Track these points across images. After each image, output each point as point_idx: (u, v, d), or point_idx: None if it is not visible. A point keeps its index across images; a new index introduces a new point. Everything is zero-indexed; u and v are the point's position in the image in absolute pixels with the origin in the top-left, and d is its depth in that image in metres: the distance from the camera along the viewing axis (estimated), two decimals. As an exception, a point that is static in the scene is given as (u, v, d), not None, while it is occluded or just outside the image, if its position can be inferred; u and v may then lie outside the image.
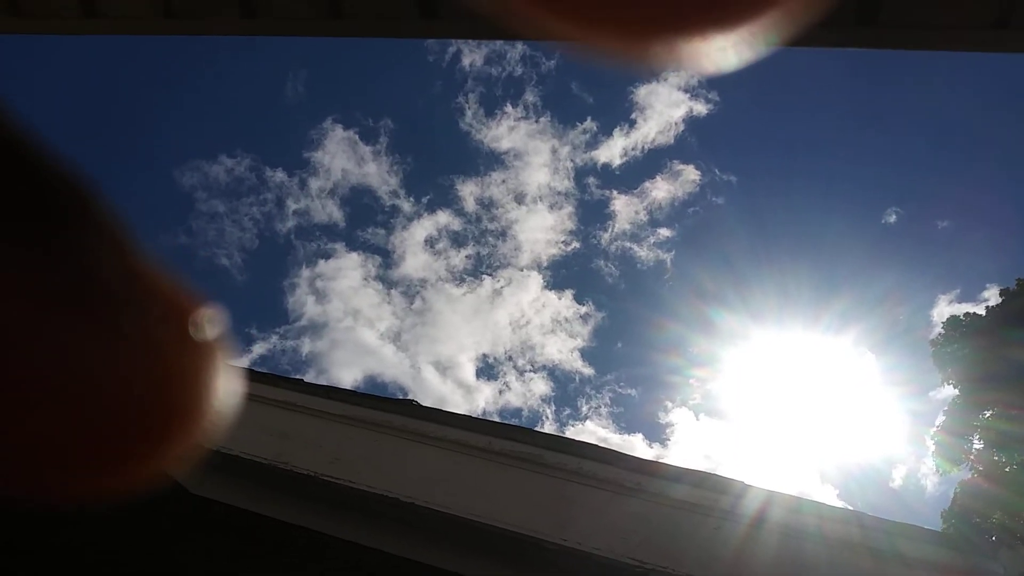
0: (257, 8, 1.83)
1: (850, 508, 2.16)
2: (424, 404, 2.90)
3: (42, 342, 0.21)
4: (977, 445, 18.86)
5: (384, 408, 2.72)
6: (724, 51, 0.23)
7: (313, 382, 2.92)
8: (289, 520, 2.70)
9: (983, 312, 19.61)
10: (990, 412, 18.48)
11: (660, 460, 2.59)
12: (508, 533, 2.31)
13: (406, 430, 2.64)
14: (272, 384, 2.88)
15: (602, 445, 2.52)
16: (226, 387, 0.25)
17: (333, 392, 2.83)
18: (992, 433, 18.21)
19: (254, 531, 2.74)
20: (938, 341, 20.04)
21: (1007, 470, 17.70)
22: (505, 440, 2.53)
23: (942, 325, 20.19)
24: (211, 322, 0.25)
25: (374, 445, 2.63)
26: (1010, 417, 17.72)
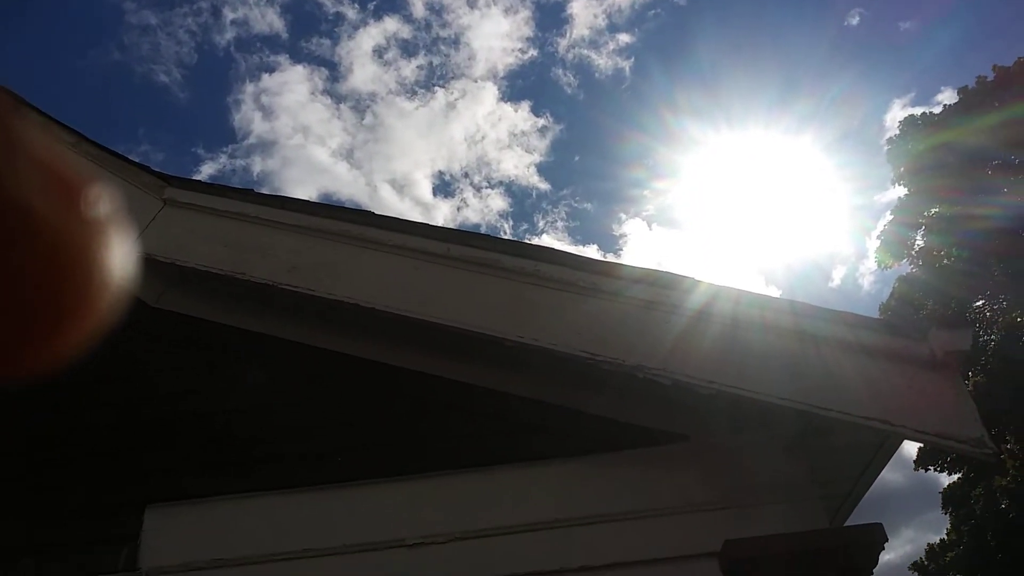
0: None
1: (787, 299, 2.27)
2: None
3: None
4: (920, 242, 19.70)
5: (340, 217, 2.70)
6: None
7: (265, 193, 2.87)
8: (251, 328, 2.76)
9: (939, 111, 19.71)
10: (936, 207, 19.12)
11: (614, 261, 2.66)
12: (469, 333, 2.40)
13: (364, 238, 2.64)
14: (223, 195, 2.82)
15: (557, 248, 2.57)
16: (121, 262, 0.25)
17: (287, 202, 2.79)
18: (936, 221, 18.93)
19: (215, 341, 2.80)
20: (893, 140, 20.27)
21: (945, 261, 18.62)
22: (463, 246, 2.56)
23: (898, 124, 20.33)
24: (102, 198, 0.24)
25: (332, 254, 2.64)
26: (953, 201, 18.37)
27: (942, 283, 18.22)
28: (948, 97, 19.74)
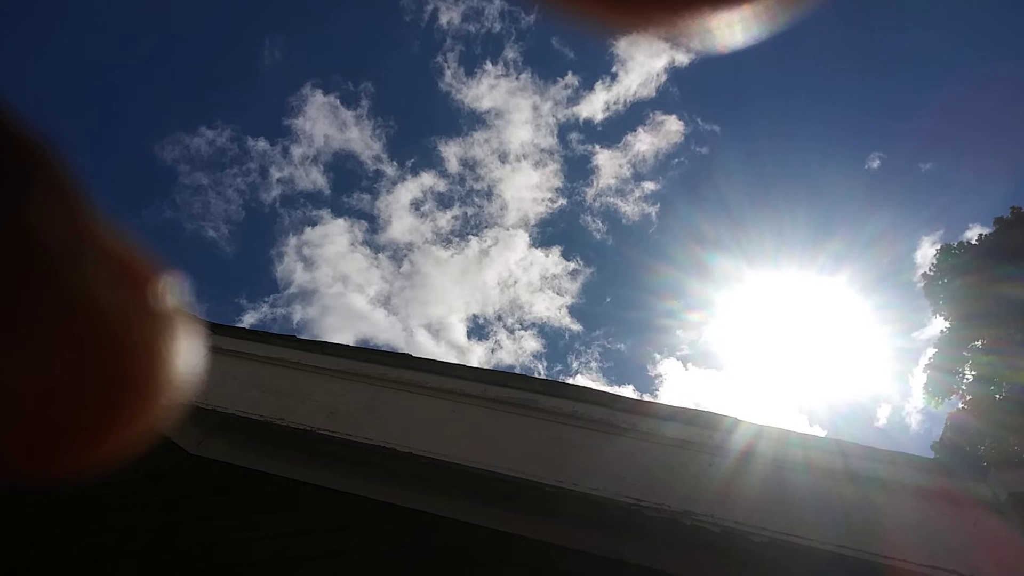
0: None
1: (837, 439, 2.19)
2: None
3: None
4: (967, 377, 19.14)
5: (379, 361, 2.73)
6: (730, 27, 0.22)
7: (306, 338, 2.93)
8: (289, 475, 2.73)
9: (975, 241, 19.68)
10: (980, 343, 18.70)
11: (653, 400, 2.62)
12: (507, 478, 2.35)
13: (402, 381, 2.65)
14: (264, 341, 2.88)
15: (595, 387, 2.54)
16: (186, 357, 0.24)
17: (327, 347, 2.84)
18: (981, 368, 18.48)
19: (255, 488, 2.77)
20: (930, 273, 20.17)
21: (995, 403, 17.99)
22: (500, 387, 2.55)
23: (934, 256, 20.31)
24: (171, 291, 0.24)
25: (370, 398, 2.65)
26: (998, 351, 17.96)
27: (993, 426, 17.52)
28: (975, 234, 19.79)
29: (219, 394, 2.76)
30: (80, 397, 0.22)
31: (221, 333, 2.95)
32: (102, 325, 0.22)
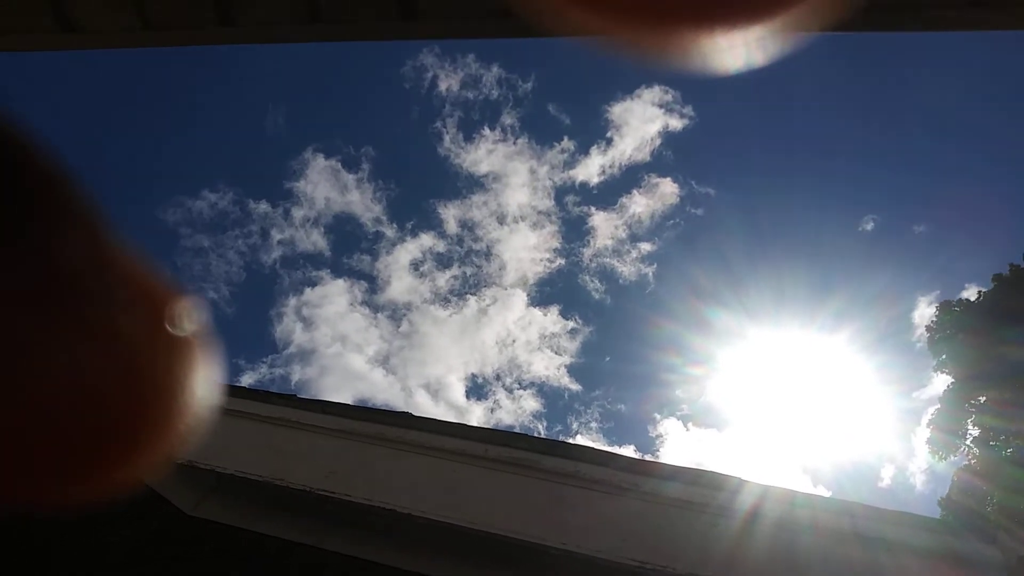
0: (235, 17, 1.83)
1: (843, 500, 2.17)
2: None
3: (4, 336, 0.20)
4: (972, 433, 18.95)
5: (379, 420, 2.71)
6: (743, 48, 0.23)
7: (306, 397, 2.92)
8: (287, 537, 2.69)
9: (974, 298, 19.71)
10: (983, 400, 18.57)
11: (656, 460, 2.60)
12: (508, 540, 2.31)
13: (402, 441, 2.63)
14: (265, 401, 2.87)
15: (596, 448, 2.52)
16: (206, 383, 0.24)
17: (327, 406, 2.82)
18: (984, 430, 18.35)
19: (253, 549, 2.72)
20: (931, 327, 20.13)
21: (999, 463, 17.79)
22: (501, 447, 2.53)
23: (934, 312, 20.30)
24: (190, 316, 0.24)
25: (370, 457, 2.62)
26: (1002, 415, 17.85)
27: (1002, 478, 17.28)
28: (972, 294, 19.85)
29: (218, 454, 2.73)
30: (98, 419, 0.21)
31: (222, 392, 2.93)
32: (121, 348, 0.22)
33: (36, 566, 2.82)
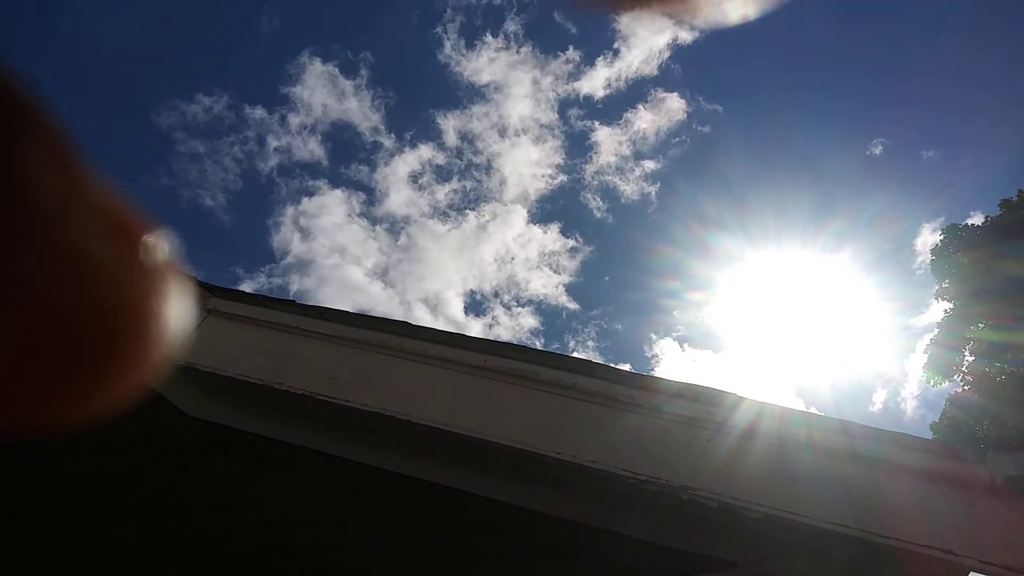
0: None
1: (838, 418, 2.18)
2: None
3: None
4: (968, 358, 19.15)
5: (378, 328, 2.71)
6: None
7: (305, 303, 2.91)
8: (287, 440, 2.73)
9: (982, 223, 19.57)
10: (982, 324, 18.69)
11: (654, 375, 2.60)
12: (506, 448, 2.34)
13: (401, 349, 2.64)
14: (265, 305, 2.86)
15: (595, 361, 2.52)
16: (178, 313, 0.24)
17: (326, 312, 2.82)
18: (984, 345, 18.48)
19: (254, 451, 2.77)
20: (937, 249, 20.06)
21: (996, 381, 18.02)
22: (500, 357, 2.53)
23: (940, 233, 20.18)
24: (161, 246, 0.23)
25: (369, 364, 2.63)
26: (1001, 328, 17.95)
27: (995, 403, 17.56)
28: (978, 221, 19.64)
29: (219, 357, 2.74)
30: (69, 350, 0.21)
31: (220, 296, 2.92)
32: (92, 277, 0.21)
33: (34, 462, 2.87)
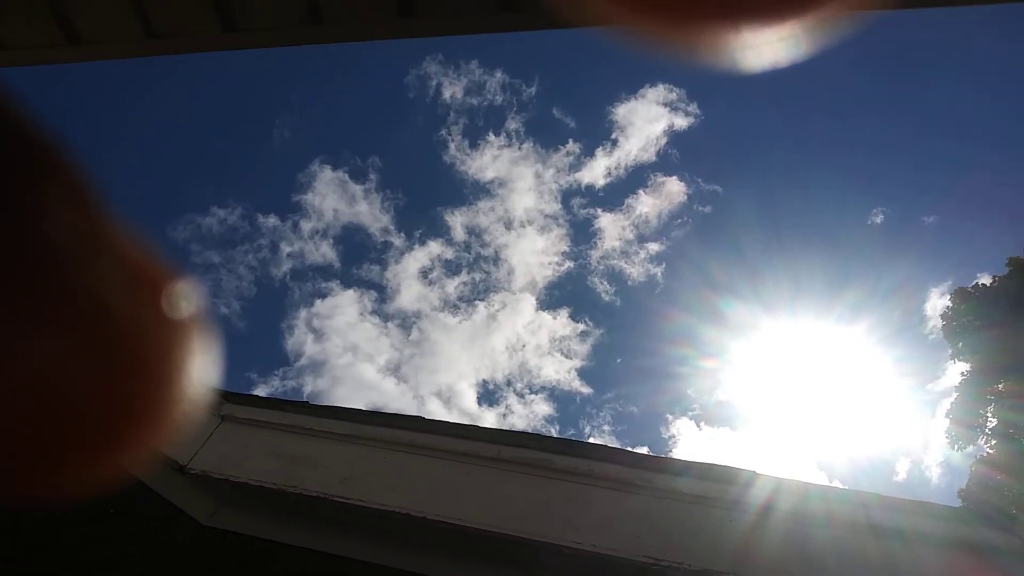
0: (237, 21, 1.84)
1: (856, 491, 2.15)
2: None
3: None
4: (991, 422, 18.78)
5: (392, 424, 2.72)
6: (770, 46, 0.23)
7: (319, 404, 2.92)
8: (303, 544, 2.70)
9: (990, 284, 19.51)
10: (1001, 388, 18.40)
11: (668, 456, 2.59)
12: (523, 540, 2.31)
13: (415, 444, 2.64)
14: (278, 408, 2.88)
15: (608, 446, 2.52)
16: (202, 365, 0.23)
17: (340, 412, 2.83)
18: (1003, 422, 18.18)
19: (269, 557, 2.73)
20: (948, 315, 19.95)
21: (1020, 450, 17.63)
22: (514, 447, 2.53)
23: (950, 299, 20.10)
24: (187, 298, 0.23)
25: (384, 462, 2.63)
26: (1020, 408, 17.68)
27: (1020, 469, 17.11)
28: (985, 283, 19.66)
29: (233, 463, 2.74)
30: (88, 403, 0.21)
31: (233, 401, 2.95)
32: (114, 330, 0.21)
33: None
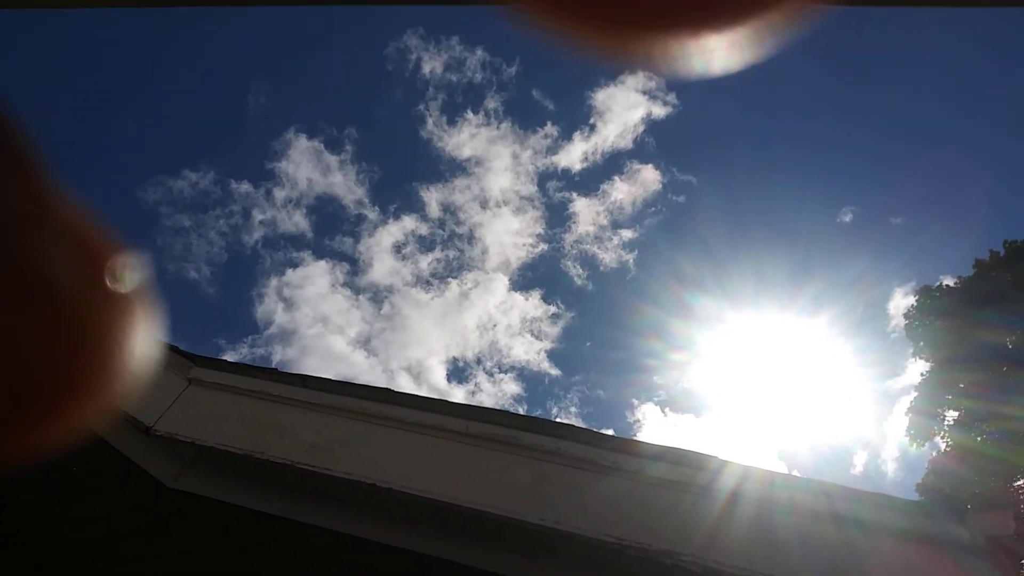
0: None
1: (820, 481, 2.19)
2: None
3: None
4: (949, 420, 19.22)
5: (360, 395, 2.71)
6: (715, 53, 0.22)
7: (286, 371, 2.90)
8: (268, 511, 2.68)
9: (954, 284, 19.90)
10: (961, 387, 18.82)
11: (637, 440, 2.61)
12: (488, 515, 2.32)
13: (383, 416, 2.63)
14: (247, 374, 2.85)
15: (579, 425, 2.53)
16: (145, 337, 0.22)
17: (308, 381, 2.81)
18: (962, 413, 18.61)
19: (233, 523, 2.72)
20: (911, 313, 20.34)
21: (977, 445, 18.07)
22: (482, 423, 2.53)
23: (914, 297, 20.50)
24: (130, 270, 0.22)
25: (351, 432, 2.62)
26: (980, 397, 18.10)
27: (977, 463, 17.57)
28: (951, 282, 20.10)
29: (198, 427, 2.72)
30: (28, 375, 0.20)
31: (201, 365, 2.91)
32: (55, 302, 0.20)
33: (8, 541, 2.80)
